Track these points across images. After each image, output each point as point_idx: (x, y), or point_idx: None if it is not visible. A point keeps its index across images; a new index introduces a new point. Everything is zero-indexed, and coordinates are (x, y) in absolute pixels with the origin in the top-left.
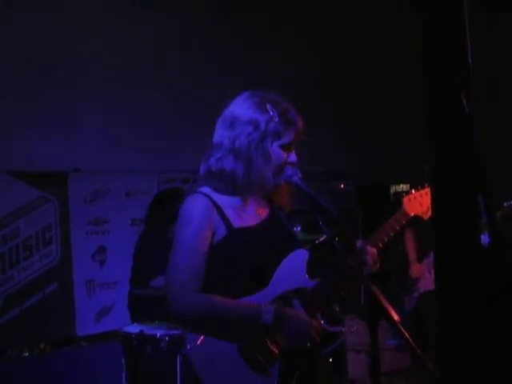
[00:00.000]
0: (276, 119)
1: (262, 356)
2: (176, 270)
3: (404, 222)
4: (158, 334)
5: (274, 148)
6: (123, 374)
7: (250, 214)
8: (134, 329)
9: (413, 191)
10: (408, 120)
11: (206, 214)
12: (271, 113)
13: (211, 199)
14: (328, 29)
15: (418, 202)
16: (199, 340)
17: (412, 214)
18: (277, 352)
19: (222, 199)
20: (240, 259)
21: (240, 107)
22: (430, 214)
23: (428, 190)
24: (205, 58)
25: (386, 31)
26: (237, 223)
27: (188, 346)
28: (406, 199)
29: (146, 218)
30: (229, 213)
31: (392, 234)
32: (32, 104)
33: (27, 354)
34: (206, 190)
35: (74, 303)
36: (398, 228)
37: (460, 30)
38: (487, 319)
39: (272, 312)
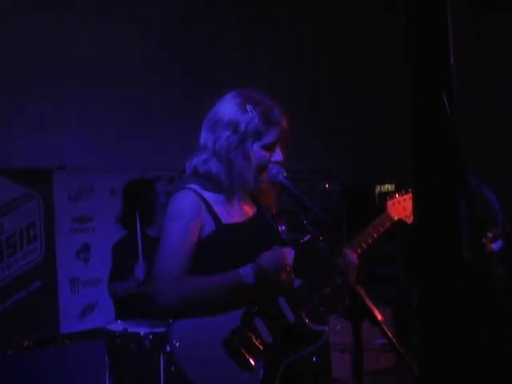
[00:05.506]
0: (256, 120)
1: (248, 352)
2: (163, 262)
3: (388, 224)
4: (142, 332)
5: (255, 149)
6: (107, 372)
7: (237, 212)
8: (118, 327)
9: (396, 195)
10: (393, 120)
11: (195, 209)
12: (251, 113)
13: (200, 195)
14: (312, 32)
15: (402, 207)
16: (184, 337)
17: (396, 218)
18: (262, 348)
19: (210, 196)
20: (227, 254)
21: (223, 108)
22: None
23: (411, 194)
24: (191, 58)
25: (370, 33)
26: (225, 219)
27: (174, 342)
28: (389, 203)
29: (121, 216)
30: (217, 209)
31: (376, 237)
32: (17, 101)
33: (11, 352)
34: (194, 186)
35: (58, 301)
36: (382, 231)
37: (442, 29)
38: (470, 323)
39: (251, 271)
